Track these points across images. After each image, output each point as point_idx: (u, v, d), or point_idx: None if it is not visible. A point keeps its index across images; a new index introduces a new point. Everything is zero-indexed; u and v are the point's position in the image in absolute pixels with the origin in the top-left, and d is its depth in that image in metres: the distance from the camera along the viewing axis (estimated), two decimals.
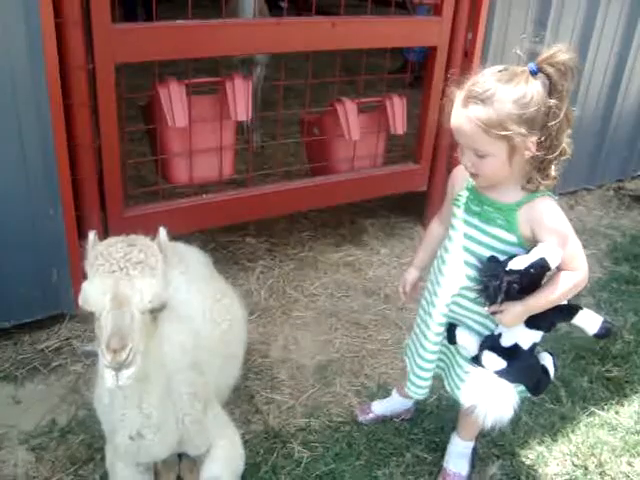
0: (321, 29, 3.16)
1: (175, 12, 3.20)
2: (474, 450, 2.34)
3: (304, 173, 3.63)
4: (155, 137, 3.08)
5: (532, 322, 1.85)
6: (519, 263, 1.73)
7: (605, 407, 2.69)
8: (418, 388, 2.16)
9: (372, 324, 3.14)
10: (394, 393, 2.52)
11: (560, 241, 1.75)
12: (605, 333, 1.89)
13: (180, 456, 2.17)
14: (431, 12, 3.78)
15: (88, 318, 1.52)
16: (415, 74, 5.75)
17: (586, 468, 2.40)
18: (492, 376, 1.87)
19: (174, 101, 2.90)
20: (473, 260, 1.87)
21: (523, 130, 1.65)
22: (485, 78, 1.69)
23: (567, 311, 1.90)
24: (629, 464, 2.44)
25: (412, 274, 2.21)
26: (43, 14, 2.33)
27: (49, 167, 2.56)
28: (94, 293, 1.47)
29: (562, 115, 1.68)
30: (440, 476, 2.29)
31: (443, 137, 3.73)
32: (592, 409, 2.67)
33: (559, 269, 1.80)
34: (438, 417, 2.55)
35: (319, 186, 3.54)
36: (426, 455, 2.40)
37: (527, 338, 1.89)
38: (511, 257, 1.77)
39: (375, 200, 4.09)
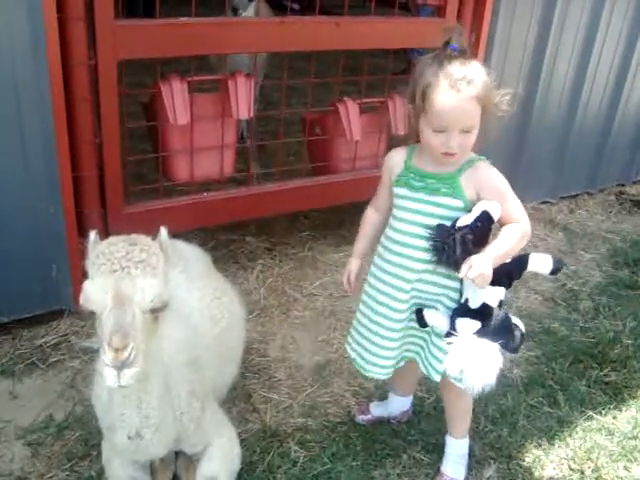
0: (325, 29, 3.17)
1: (172, 10, 3.18)
2: (470, 454, 2.34)
3: (305, 173, 3.62)
4: (156, 134, 3.07)
5: (492, 280, 1.90)
6: (466, 219, 1.87)
7: (603, 412, 2.69)
8: (382, 368, 2.17)
9: None
10: (391, 394, 2.52)
11: (500, 198, 1.91)
12: (559, 266, 2.02)
13: (177, 454, 2.16)
14: (435, 14, 3.77)
15: (87, 315, 1.52)
16: None
17: (583, 472, 2.40)
18: (472, 338, 1.91)
19: (176, 98, 2.90)
20: (424, 231, 1.94)
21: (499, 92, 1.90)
22: (454, 62, 1.85)
23: (519, 262, 2.02)
24: (626, 469, 2.44)
25: (356, 264, 2.24)
26: (46, 9, 2.33)
27: (50, 163, 2.56)
28: (95, 292, 1.47)
29: None
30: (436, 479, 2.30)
31: None
32: (590, 413, 2.67)
33: (503, 225, 1.93)
34: (435, 419, 2.55)
35: (320, 186, 3.55)
36: (423, 456, 2.40)
37: (492, 296, 1.96)
38: (456, 219, 1.89)
39: None
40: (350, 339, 2.26)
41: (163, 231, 1.65)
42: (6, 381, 2.58)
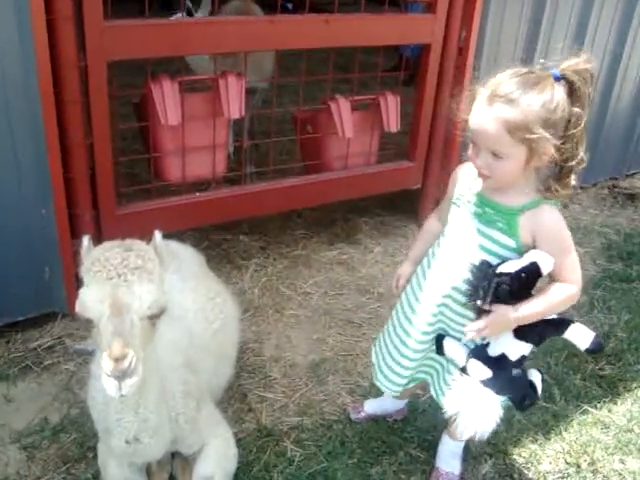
0: (314, 27, 3.15)
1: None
2: (466, 450, 2.34)
3: (298, 171, 3.62)
4: (148, 135, 3.06)
5: (521, 333, 1.83)
6: (510, 266, 1.73)
7: (598, 405, 2.70)
8: (392, 384, 2.14)
9: (365, 322, 3.13)
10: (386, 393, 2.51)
11: (558, 251, 1.74)
12: (597, 348, 1.86)
13: (173, 454, 2.16)
14: (425, 10, 3.76)
15: (83, 321, 1.50)
16: (410, 72, 5.74)
17: (579, 466, 2.41)
18: (476, 385, 1.84)
19: (167, 99, 2.89)
20: (466, 261, 1.84)
21: (547, 135, 1.63)
22: (511, 79, 1.67)
23: (558, 325, 1.87)
24: (621, 462, 2.45)
25: (407, 268, 2.17)
26: (34, 10, 2.31)
27: (41, 165, 2.55)
28: (92, 300, 1.45)
29: (583, 123, 1.67)
30: (433, 476, 2.29)
31: (437, 135, 3.73)
32: (585, 407, 2.68)
33: (553, 280, 1.79)
34: (431, 416, 2.55)
35: (313, 184, 3.54)
36: (419, 453, 2.40)
37: (515, 349, 1.86)
38: (503, 261, 1.76)
39: (369, 198, 4.08)
40: (377, 342, 2.23)
41: (157, 235, 1.63)
42: (0, 385, 2.57)
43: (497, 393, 1.84)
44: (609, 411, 2.68)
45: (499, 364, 1.85)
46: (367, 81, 4.03)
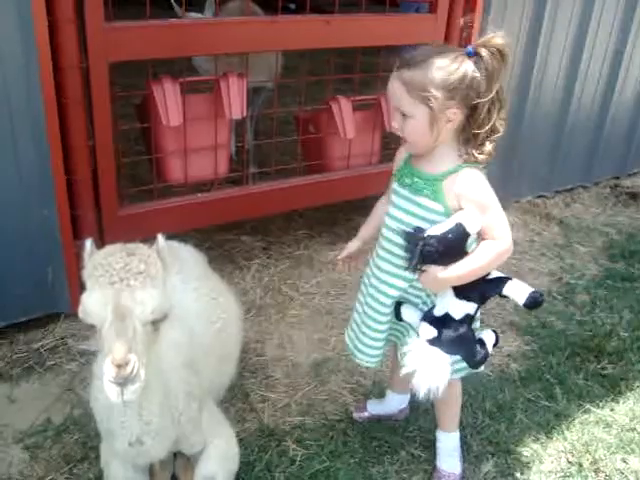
0: (315, 27, 3.16)
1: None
2: (466, 448, 2.35)
3: (300, 171, 3.62)
4: (150, 136, 3.07)
5: (462, 293, 1.92)
6: (437, 229, 1.83)
7: (600, 404, 2.70)
8: (371, 357, 2.19)
9: None
10: (388, 393, 2.52)
11: (480, 210, 1.84)
12: (533, 303, 1.92)
13: (175, 454, 2.16)
14: (424, 9, 3.76)
15: (86, 326, 1.49)
16: None
17: (581, 465, 2.41)
18: (424, 344, 1.93)
19: (168, 99, 2.90)
20: (402, 229, 1.94)
21: (442, 96, 1.77)
22: (421, 50, 1.85)
23: (497, 282, 1.96)
24: (624, 461, 2.45)
25: (353, 244, 2.28)
26: (36, 12, 2.33)
27: (43, 166, 2.56)
28: (95, 305, 1.43)
29: (492, 94, 1.80)
30: (434, 477, 2.30)
31: None
32: (587, 406, 2.68)
33: (483, 239, 1.88)
34: (433, 415, 2.54)
35: (315, 184, 3.54)
36: (421, 453, 2.40)
37: (458, 308, 1.95)
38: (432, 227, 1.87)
39: (371, 198, 4.07)
40: (349, 326, 2.29)
41: (160, 238, 1.61)
42: (4, 385, 2.58)
43: (445, 352, 1.92)
44: (611, 410, 2.68)
45: (444, 323, 1.95)
46: (368, 81, 4.03)
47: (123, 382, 1.39)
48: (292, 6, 8.35)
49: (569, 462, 2.43)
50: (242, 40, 2.97)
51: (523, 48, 3.97)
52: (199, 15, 3.79)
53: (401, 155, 2.07)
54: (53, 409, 2.49)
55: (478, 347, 2.00)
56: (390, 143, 4.01)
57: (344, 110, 3.45)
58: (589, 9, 4.15)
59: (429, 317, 1.98)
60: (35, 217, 2.63)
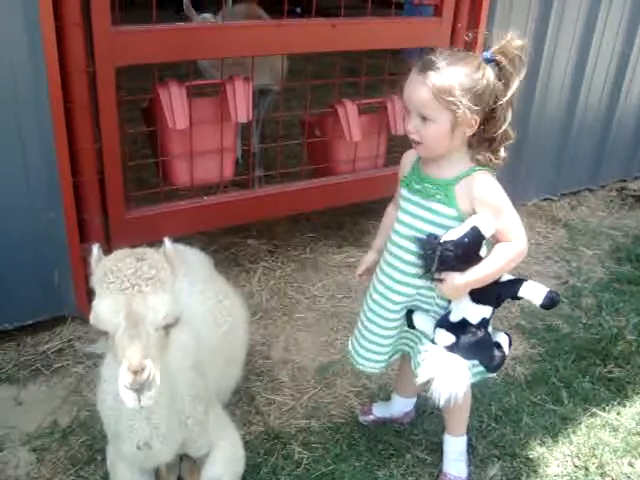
0: (321, 31, 3.17)
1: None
2: (473, 452, 2.34)
3: (306, 175, 3.63)
4: (156, 139, 3.08)
5: (478, 296, 1.91)
6: (453, 234, 1.82)
7: (606, 408, 2.69)
8: (373, 362, 2.19)
9: None
10: (394, 396, 2.52)
11: (494, 213, 1.83)
12: (550, 303, 1.92)
13: (181, 457, 2.17)
14: (428, 14, 3.76)
15: (97, 331, 1.49)
16: None
17: (587, 469, 2.40)
18: (443, 351, 1.91)
19: (174, 103, 2.91)
20: (415, 236, 1.93)
21: (469, 102, 1.76)
22: (442, 54, 1.82)
23: (512, 284, 1.95)
24: (630, 465, 2.43)
25: (369, 257, 2.25)
26: (43, 17, 2.34)
27: (50, 170, 2.58)
28: (107, 312, 1.43)
29: (508, 98, 1.83)
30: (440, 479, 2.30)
31: None
32: (593, 410, 2.67)
33: (498, 241, 1.88)
34: (438, 418, 2.54)
35: (321, 188, 3.55)
36: (426, 456, 2.40)
37: (474, 313, 1.93)
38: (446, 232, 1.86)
39: (377, 201, 4.08)
40: (353, 333, 2.28)
41: (167, 242, 1.61)
42: (11, 387, 2.59)
43: (464, 357, 1.91)
44: (618, 414, 2.67)
45: (461, 329, 1.94)
46: (374, 84, 4.04)
47: (140, 388, 1.39)
48: (298, 10, 8.38)
49: (575, 466, 2.42)
50: (248, 44, 2.99)
51: (529, 51, 3.95)
52: (210, 17, 3.80)
53: (408, 159, 2.05)
54: (60, 411, 2.50)
55: (495, 351, 1.99)
56: (395, 146, 4.03)
57: (350, 113, 3.45)
58: (595, 10, 4.14)
59: (445, 323, 1.95)
60: (42, 220, 2.64)
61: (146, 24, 2.76)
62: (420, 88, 1.79)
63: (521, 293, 1.94)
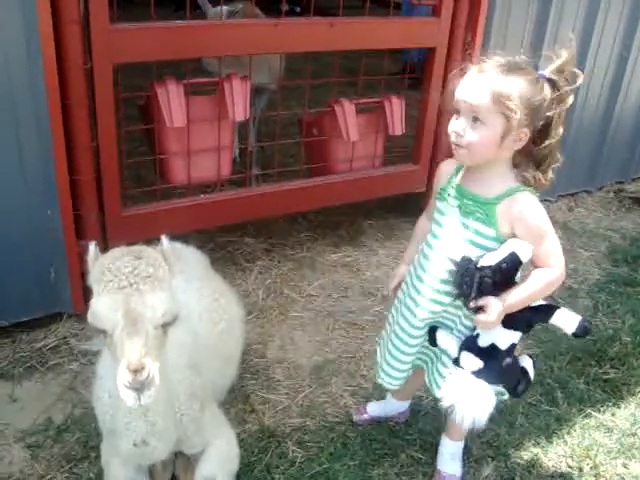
0: (319, 30, 3.17)
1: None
2: (467, 451, 2.34)
3: (303, 174, 3.63)
4: (153, 137, 3.08)
5: (508, 322, 1.86)
6: (490, 259, 1.77)
7: (601, 409, 2.69)
8: (393, 379, 2.18)
9: (369, 325, 3.13)
10: (389, 396, 2.52)
11: (536, 237, 1.79)
12: (583, 332, 1.88)
13: (175, 454, 2.17)
14: (425, 13, 3.77)
15: (93, 330, 1.48)
16: (416, 76, 5.75)
17: (581, 470, 2.41)
18: (469, 376, 1.88)
19: (172, 101, 2.91)
20: (453, 255, 1.87)
21: (521, 111, 1.70)
22: (502, 60, 1.77)
23: (544, 311, 1.90)
24: (624, 466, 2.44)
25: (401, 269, 2.19)
26: (41, 14, 2.34)
27: (47, 167, 2.57)
28: (105, 310, 1.43)
29: (561, 115, 1.77)
30: (435, 479, 2.30)
31: (442, 138, 3.73)
32: (588, 411, 2.67)
33: (535, 266, 1.83)
34: (433, 418, 2.55)
35: (318, 187, 3.55)
36: (421, 455, 2.40)
37: (504, 338, 1.89)
38: (484, 255, 1.80)
39: (374, 201, 4.10)
40: (381, 341, 2.25)
41: (164, 240, 1.61)
42: (6, 384, 2.59)
43: (490, 383, 1.88)
44: (612, 415, 2.67)
45: (490, 354, 1.89)
46: (372, 84, 4.04)
47: (140, 387, 1.39)
48: (298, 9, 8.40)
49: (569, 466, 2.42)
50: (246, 42, 2.98)
51: (527, 53, 3.95)
52: (230, 9, 3.81)
53: (446, 170, 1.98)
54: (54, 408, 2.50)
55: (521, 377, 1.96)
56: (393, 146, 4.03)
57: (347, 113, 3.45)
58: (593, 12, 4.14)
59: (473, 347, 1.90)
60: (38, 217, 2.64)
61: (144, 21, 2.75)
62: (479, 89, 1.72)
63: (553, 320, 1.89)
